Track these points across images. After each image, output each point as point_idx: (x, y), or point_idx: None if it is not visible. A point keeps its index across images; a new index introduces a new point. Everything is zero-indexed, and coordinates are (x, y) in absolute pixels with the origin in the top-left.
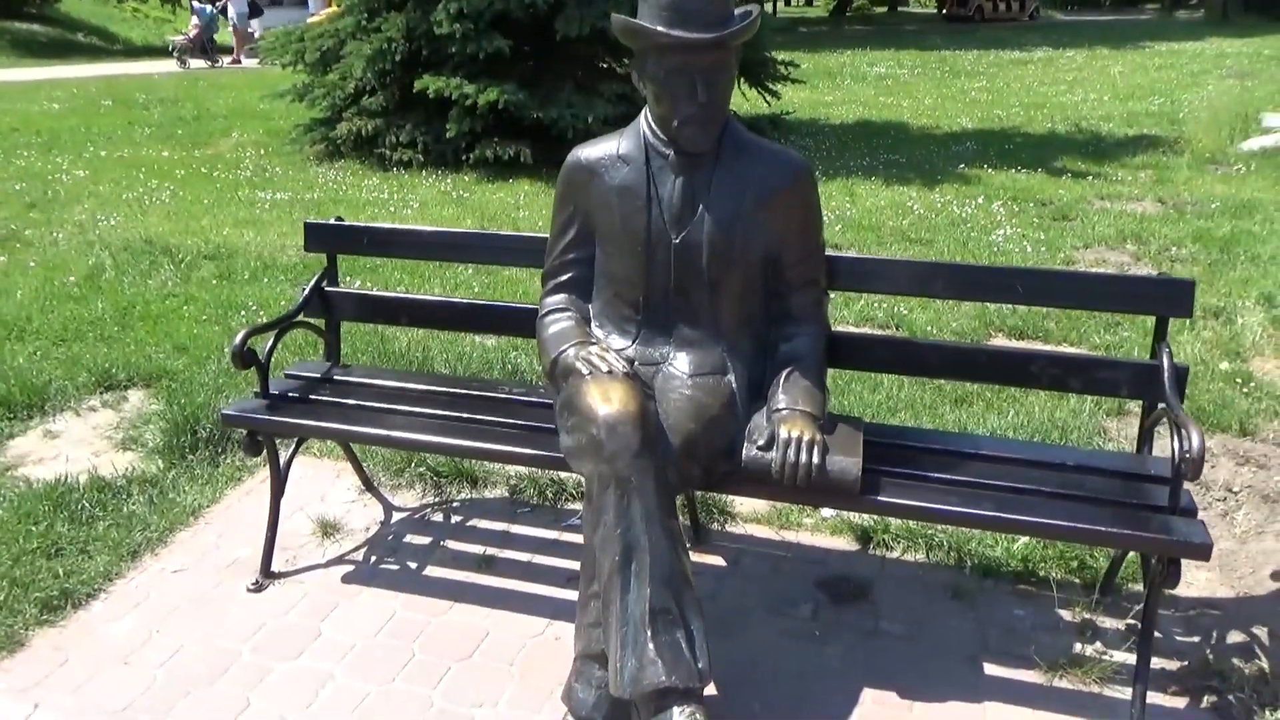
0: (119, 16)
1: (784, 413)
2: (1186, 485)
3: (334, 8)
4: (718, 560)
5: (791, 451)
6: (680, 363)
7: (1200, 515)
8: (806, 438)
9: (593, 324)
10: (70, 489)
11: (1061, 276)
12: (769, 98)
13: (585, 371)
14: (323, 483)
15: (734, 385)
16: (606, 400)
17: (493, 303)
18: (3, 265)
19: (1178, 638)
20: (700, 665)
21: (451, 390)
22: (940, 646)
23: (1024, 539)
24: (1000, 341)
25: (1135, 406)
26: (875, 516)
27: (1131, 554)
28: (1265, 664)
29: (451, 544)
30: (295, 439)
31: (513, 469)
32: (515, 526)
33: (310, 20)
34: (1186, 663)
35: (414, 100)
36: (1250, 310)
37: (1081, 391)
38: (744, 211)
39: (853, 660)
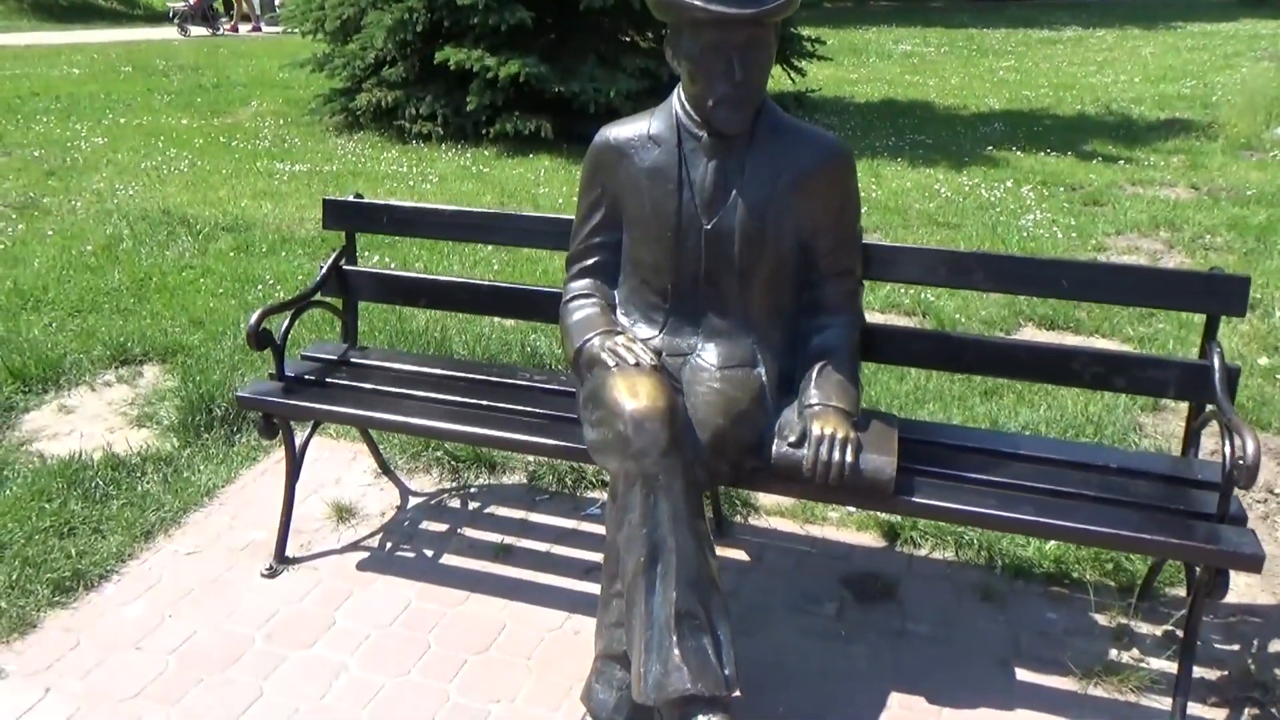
0: None
1: (816, 408)
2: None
3: None
4: (740, 555)
5: (824, 449)
6: (709, 354)
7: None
8: (840, 435)
9: (618, 311)
10: (84, 466)
11: (1108, 270)
12: (794, 75)
13: (611, 363)
14: (338, 465)
15: (764, 378)
16: (634, 395)
17: (515, 285)
18: (21, 233)
19: (1216, 645)
20: (727, 673)
21: (470, 376)
22: (970, 649)
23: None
24: (1030, 331)
25: (1172, 401)
26: None
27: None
28: None
29: (468, 531)
30: (312, 422)
31: (531, 455)
32: (533, 514)
33: None
34: (1226, 672)
35: (434, 72)
36: None
37: (1126, 391)
38: (778, 196)
39: (879, 662)
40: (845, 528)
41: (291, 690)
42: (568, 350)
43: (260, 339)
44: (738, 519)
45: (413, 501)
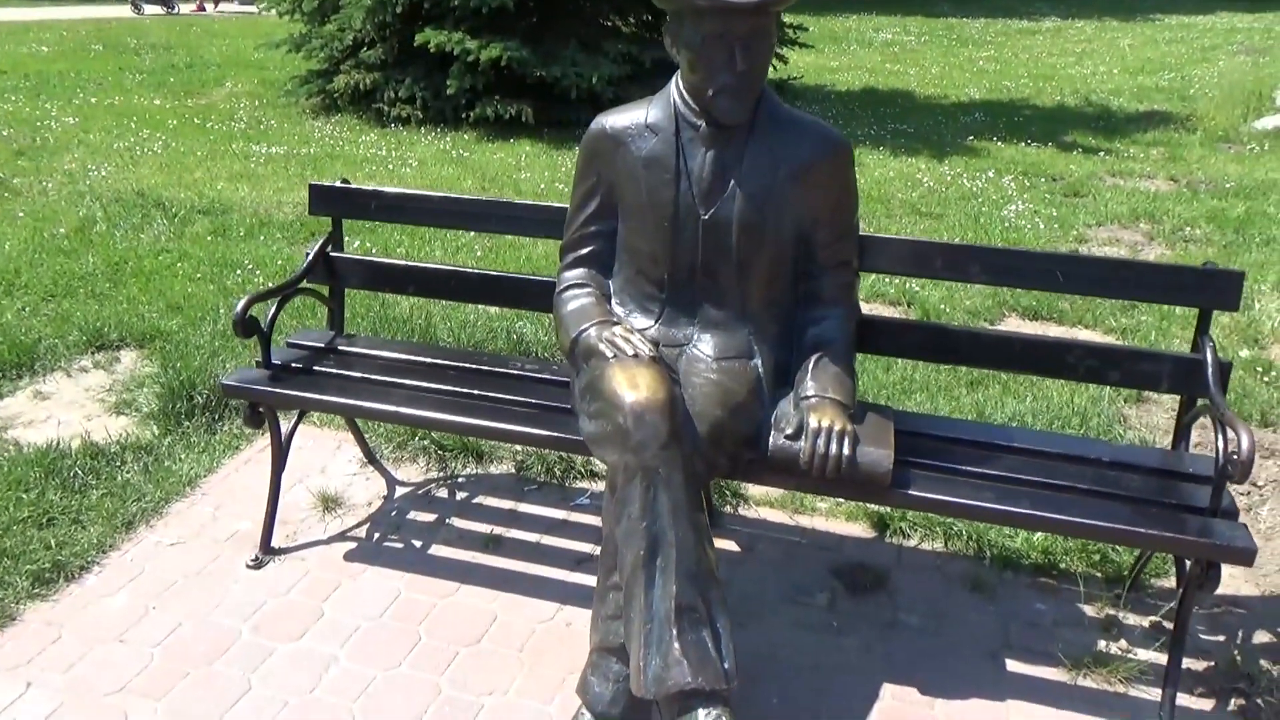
0: None
1: (813, 400)
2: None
3: None
4: (731, 545)
5: (821, 441)
6: (705, 345)
7: None
8: (837, 428)
9: (613, 301)
10: (62, 454)
11: (1103, 264)
12: (776, 62)
13: (610, 354)
14: (323, 454)
15: (760, 370)
16: (633, 386)
17: (505, 274)
18: None
19: (1203, 637)
20: (726, 666)
21: (460, 364)
22: (961, 640)
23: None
24: (1015, 321)
25: (1155, 394)
26: None
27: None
28: None
29: (457, 522)
30: (298, 411)
31: (522, 445)
32: (523, 505)
33: None
34: (1213, 663)
35: (414, 54)
36: (1268, 295)
37: (1120, 384)
38: (777, 187)
39: (871, 653)
40: (835, 518)
41: (280, 683)
42: (563, 340)
43: (247, 327)
44: (727, 509)
45: (400, 491)
